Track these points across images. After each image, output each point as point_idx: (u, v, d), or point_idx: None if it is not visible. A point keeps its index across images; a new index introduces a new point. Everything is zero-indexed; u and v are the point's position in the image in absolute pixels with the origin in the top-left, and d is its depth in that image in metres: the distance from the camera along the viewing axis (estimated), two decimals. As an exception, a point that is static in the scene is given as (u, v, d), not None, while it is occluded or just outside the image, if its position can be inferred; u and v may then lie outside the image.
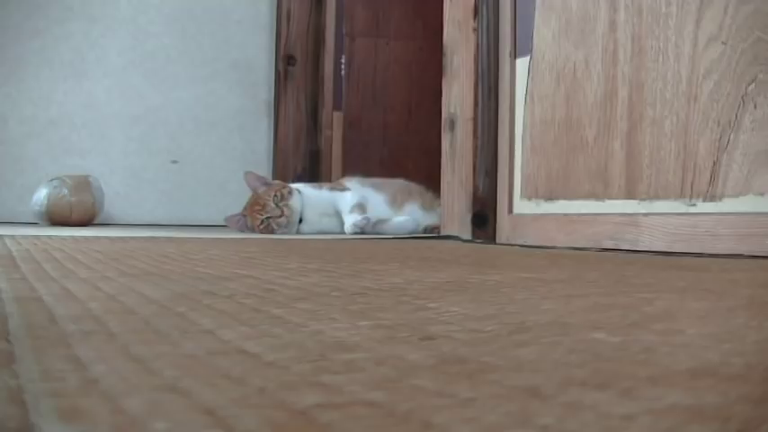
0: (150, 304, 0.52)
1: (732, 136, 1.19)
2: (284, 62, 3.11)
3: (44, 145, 2.88)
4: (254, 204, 2.14)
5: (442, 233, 1.90)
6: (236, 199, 2.35)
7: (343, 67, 3.07)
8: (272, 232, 2.10)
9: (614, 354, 0.36)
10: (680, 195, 1.29)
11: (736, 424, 0.24)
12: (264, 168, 3.01)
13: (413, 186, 2.30)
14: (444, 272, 0.84)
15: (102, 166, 2.88)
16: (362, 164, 2.94)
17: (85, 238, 1.56)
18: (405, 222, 2.16)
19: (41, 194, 2.49)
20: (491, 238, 1.76)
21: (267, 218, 2.11)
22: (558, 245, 1.51)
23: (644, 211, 1.35)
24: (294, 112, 3.11)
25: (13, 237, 1.50)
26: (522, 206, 1.69)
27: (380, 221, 2.17)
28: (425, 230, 2.14)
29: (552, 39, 1.60)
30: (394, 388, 0.28)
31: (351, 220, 2.12)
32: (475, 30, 1.80)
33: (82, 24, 2.93)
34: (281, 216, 2.11)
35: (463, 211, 1.81)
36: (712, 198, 1.23)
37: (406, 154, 3.04)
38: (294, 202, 2.14)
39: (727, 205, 1.20)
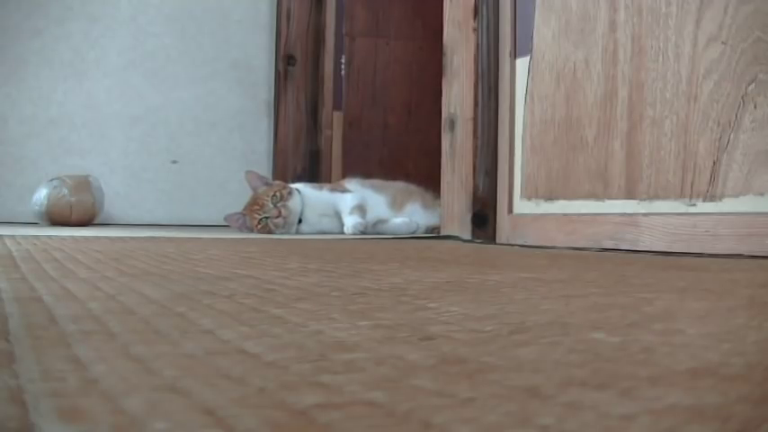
0: (150, 304, 0.52)
1: (732, 136, 1.20)
2: (284, 62, 3.11)
3: (44, 145, 2.88)
4: (254, 204, 2.14)
5: (442, 233, 1.90)
6: (236, 199, 2.36)
7: (343, 67, 3.07)
8: (271, 232, 2.10)
9: (614, 354, 0.36)
10: (680, 195, 1.29)
11: (736, 424, 0.24)
12: (264, 168, 3.01)
13: (413, 188, 2.30)
14: (444, 272, 0.84)
15: (102, 166, 2.88)
16: (362, 164, 2.94)
17: (85, 238, 1.56)
18: (404, 223, 2.16)
19: (41, 194, 2.49)
20: (491, 238, 1.76)
21: (265, 218, 2.11)
22: (558, 245, 1.51)
23: (644, 211, 1.35)
24: (294, 112, 3.11)
25: (13, 237, 1.50)
26: (522, 206, 1.69)
27: (380, 222, 2.17)
28: (428, 231, 2.14)
29: (552, 39, 1.60)
30: (394, 388, 0.28)
31: (351, 222, 2.12)
32: (475, 30, 1.80)
33: (82, 24, 2.93)
34: (278, 216, 2.11)
35: (463, 211, 1.81)
36: (712, 198, 1.23)
37: (406, 154, 3.04)
38: (293, 203, 2.14)
39: (727, 205, 1.20)
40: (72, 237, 1.58)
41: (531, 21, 1.67)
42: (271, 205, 2.11)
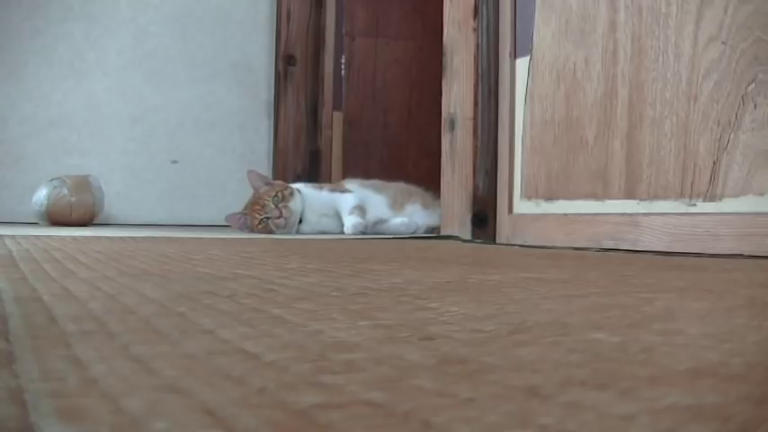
0: (150, 304, 0.52)
1: (732, 136, 1.20)
2: (284, 62, 3.11)
3: (44, 145, 2.88)
4: (255, 204, 2.14)
5: (442, 233, 1.90)
6: (236, 199, 2.35)
7: (343, 67, 3.07)
8: (271, 232, 2.10)
9: (614, 354, 0.36)
10: (680, 195, 1.29)
11: (736, 424, 0.24)
12: (264, 168, 3.01)
13: (413, 188, 2.31)
14: (444, 272, 0.84)
15: (102, 166, 2.88)
16: (362, 164, 2.94)
17: (85, 238, 1.56)
18: (404, 223, 2.17)
19: (41, 194, 2.49)
20: (491, 238, 1.76)
21: (266, 218, 2.11)
22: (558, 245, 1.51)
23: (644, 211, 1.35)
24: (294, 112, 3.11)
25: (13, 237, 1.50)
26: (522, 206, 1.69)
27: (380, 222, 2.17)
28: (428, 231, 2.14)
29: (552, 39, 1.60)
30: (394, 388, 0.28)
31: (350, 222, 2.12)
32: (475, 30, 1.80)
33: (82, 24, 2.93)
34: (279, 217, 2.11)
35: (463, 211, 1.81)
36: (712, 198, 1.23)
37: (406, 154, 3.04)
38: (294, 203, 2.14)
39: (727, 205, 1.20)
40: (72, 237, 1.58)
41: (531, 21, 1.67)
42: (272, 205, 2.11)
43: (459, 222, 1.83)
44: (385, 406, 0.26)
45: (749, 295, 0.65)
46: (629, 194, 1.39)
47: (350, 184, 2.30)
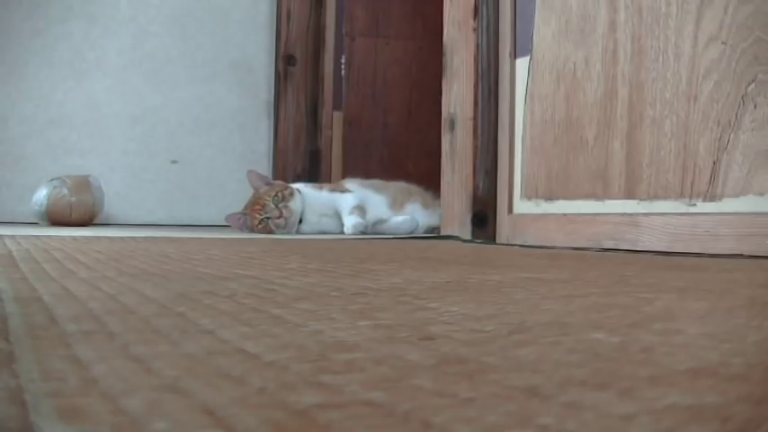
0: (150, 304, 0.52)
1: (732, 136, 1.20)
2: (284, 62, 3.11)
3: (44, 145, 2.88)
4: (255, 204, 2.14)
5: (442, 233, 1.90)
6: (236, 199, 2.35)
7: (343, 67, 3.07)
8: (271, 232, 2.10)
9: (614, 354, 0.36)
10: (680, 195, 1.29)
11: (736, 424, 0.24)
12: (264, 168, 3.01)
13: (413, 188, 2.31)
14: (444, 272, 0.84)
15: (102, 166, 2.88)
16: (362, 164, 2.94)
17: (85, 238, 1.56)
18: (404, 222, 2.17)
19: (41, 194, 2.49)
20: (491, 238, 1.76)
21: (266, 218, 2.11)
22: (558, 245, 1.51)
23: (644, 211, 1.35)
24: (294, 112, 3.11)
25: (13, 237, 1.50)
26: (521, 206, 1.69)
27: (380, 221, 2.17)
28: (428, 231, 2.14)
29: (552, 39, 1.60)
30: (394, 388, 0.28)
31: (350, 222, 2.12)
32: (475, 30, 1.80)
33: (82, 24, 2.93)
34: (279, 217, 2.11)
35: (463, 211, 1.81)
36: (712, 198, 1.23)
37: (406, 154, 3.04)
38: (294, 203, 2.14)
39: (727, 205, 1.20)
40: (72, 237, 1.58)
41: (531, 21, 1.67)
42: (272, 205, 2.11)
43: (459, 222, 1.83)
44: (385, 406, 0.26)
45: (749, 295, 0.65)
46: (629, 194, 1.39)
47: (350, 183, 2.30)
